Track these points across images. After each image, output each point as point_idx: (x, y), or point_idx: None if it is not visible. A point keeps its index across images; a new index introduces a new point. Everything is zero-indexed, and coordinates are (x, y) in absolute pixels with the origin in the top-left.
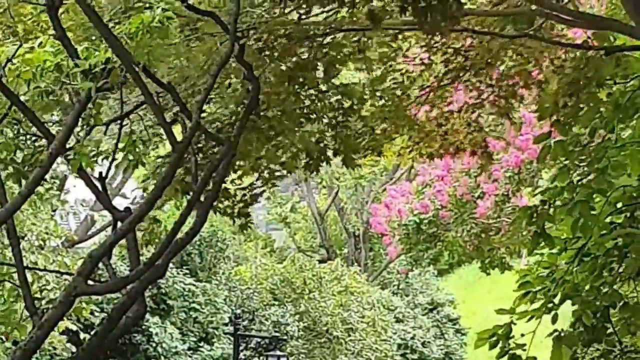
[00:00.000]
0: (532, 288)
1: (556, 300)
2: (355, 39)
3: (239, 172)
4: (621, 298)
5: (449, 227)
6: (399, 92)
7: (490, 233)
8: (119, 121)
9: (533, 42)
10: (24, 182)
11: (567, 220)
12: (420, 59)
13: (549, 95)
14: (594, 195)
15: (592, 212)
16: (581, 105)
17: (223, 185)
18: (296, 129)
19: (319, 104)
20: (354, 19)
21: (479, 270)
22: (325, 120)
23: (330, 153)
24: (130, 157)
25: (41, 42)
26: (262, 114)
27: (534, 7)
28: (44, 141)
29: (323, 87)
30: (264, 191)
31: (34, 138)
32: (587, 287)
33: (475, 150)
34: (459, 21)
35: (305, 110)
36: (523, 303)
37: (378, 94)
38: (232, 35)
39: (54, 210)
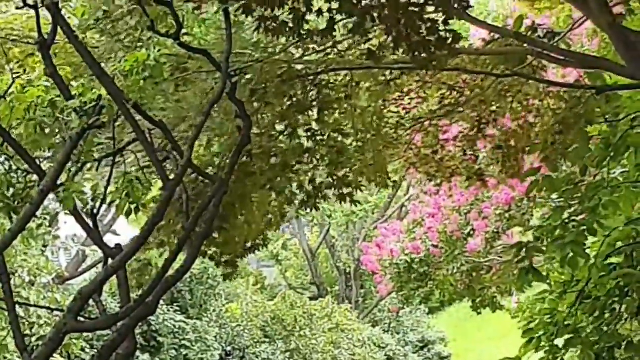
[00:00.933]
0: (534, 334)
1: (559, 343)
2: (347, 78)
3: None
4: (622, 338)
5: (440, 265)
6: (393, 121)
7: (481, 272)
8: (110, 158)
9: (528, 87)
10: (14, 216)
11: (559, 257)
12: (416, 94)
13: (541, 132)
14: (586, 234)
15: (584, 251)
16: (569, 143)
17: (214, 234)
18: (290, 170)
19: (312, 143)
20: (347, 58)
21: (470, 308)
22: (318, 158)
23: (325, 190)
24: (129, 200)
25: (35, 77)
26: (255, 152)
27: (526, 45)
28: (35, 176)
29: (317, 126)
30: (256, 248)
31: (25, 173)
32: (589, 329)
33: (470, 175)
34: (453, 54)
35: (298, 151)
36: (528, 350)
37: (371, 134)
38: (225, 74)
39: (45, 246)
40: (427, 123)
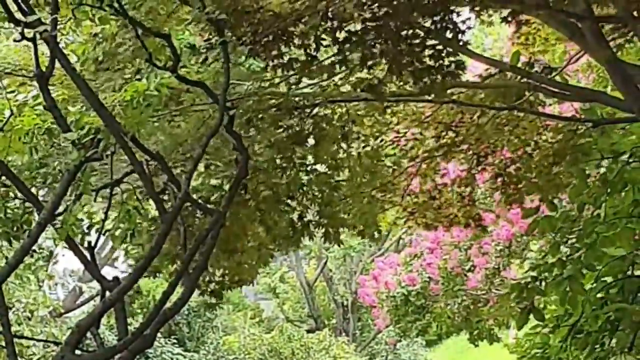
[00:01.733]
0: None
1: None
2: (345, 111)
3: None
4: None
5: (438, 299)
6: (389, 163)
7: (478, 304)
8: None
9: (525, 122)
10: (13, 242)
11: (557, 294)
12: (412, 134)
13: (537, 170)
14: (583, 271)
15: (582, 287)
16: (563, 176)
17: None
18: (281, 205)
19: (305, 178)
20: (344, 89)
21: (467, 341)
22: (310, 196)
23: (312, 228)
24: (127, 228)
25: (33, 97)
26: (250, 187)
27: (523, 80)
28: None
29: (311, 160)
30: (244, 283)
31: (23, 200)
32: None
33: (468, 223)
34: (455, 82)
35: (291, 186)
36: None
37: (366, 175)
38: (222, 107)
39: (42, 281)
40: (424, 165)
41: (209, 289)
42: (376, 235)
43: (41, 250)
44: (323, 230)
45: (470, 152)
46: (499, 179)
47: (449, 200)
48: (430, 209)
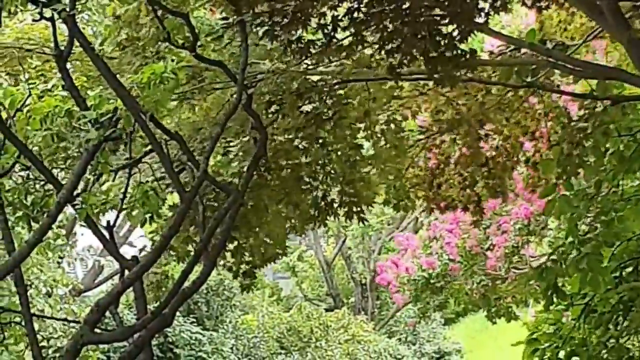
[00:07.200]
0: (539, 345)
1: (562, 355)
2: (364, 91)
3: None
4: (627, 352)
5: (457, 277)
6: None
7: (496, 282)
8: (127, 169)
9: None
10: (33, 225)
11: (576, 272)
12: (416, 104)
13: (553, 150)
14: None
15: (601, 265)
16: (585, 158)
17: (234, 244)
18: (303, 185)
19: (326, 159)
20: (363, 69)
21: (485, 319)
22: (333, 175)
23: (336, 206)
24: (145, 210)
25: (53, 85)
26: (271, 167)
27: (540, 57)
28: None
29: (331, 140)
30: (275, 258)
31: (43, 182)
32: (594, 343)
33: (467, 207)
34: (472, 69)
35: (313, 165)
36: None
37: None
38: (240, 85)
39: (62, 258)
40: (425, 140)
41: (240, 271)
42: (409, 205)
43: (61, 229)
44: (346, 208)
45: (472, 128)
46: (484, 168)
47: (449, 179)
48: (430, 187)
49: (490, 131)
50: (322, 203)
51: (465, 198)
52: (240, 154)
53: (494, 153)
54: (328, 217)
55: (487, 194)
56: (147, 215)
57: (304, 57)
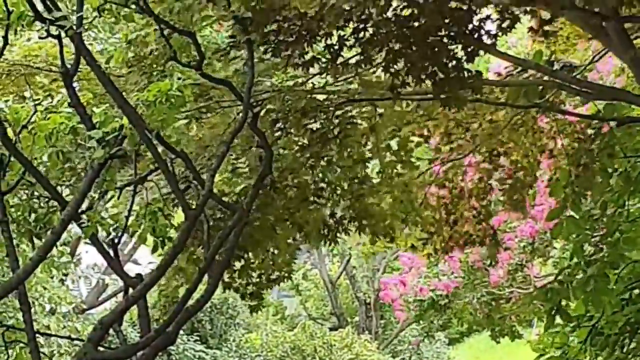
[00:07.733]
0: None
1: None
2: (370, 109)
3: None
4: None
5: (459, 293)
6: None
7: (500, 301)
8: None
9: (541, 124)
10: (36, 241)
11: (582, 294)
12: (426, 127)
13: (561, 171)
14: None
15: (607, 287)
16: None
17: (241, 264)
18: (308, 204)
19: (332, 176)
20: (368, 88)
21: (490, 339)
22: (339, 191)
23: (346, 223)
24: (155, 235)
25: (59, 102)
26: (277, 186)
27: (546, 78)
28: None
29: (337, 158)
30: (281, 280)
31: (47, 199)
32: None
33: (483, 241)
34: (477, 91)
35: (318, 183)
36: None
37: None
38: (246, 104)
39: (65, 275)
40: (440, 170)
41: (247, 292)
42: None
43: (65, 246)
44: (356, 224)
45: (485, 148)
46: (507, 183)
47: (464, 215)
48: (447, 226)
49: (507, 149)
50: (331, 220)
51: (482, 232)
52: (247, 171)
53: (512, 167)
54: (339, 234)
55: (509, 207)
56: (159, 240)
57: (307, 71)
